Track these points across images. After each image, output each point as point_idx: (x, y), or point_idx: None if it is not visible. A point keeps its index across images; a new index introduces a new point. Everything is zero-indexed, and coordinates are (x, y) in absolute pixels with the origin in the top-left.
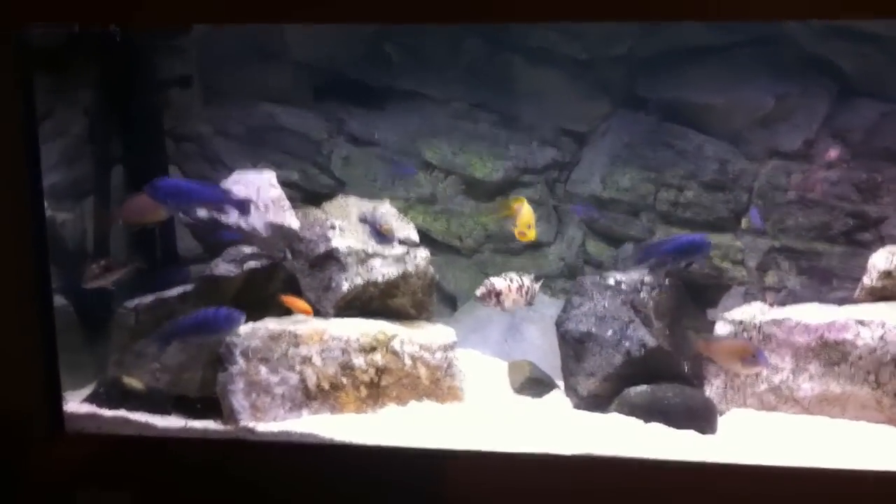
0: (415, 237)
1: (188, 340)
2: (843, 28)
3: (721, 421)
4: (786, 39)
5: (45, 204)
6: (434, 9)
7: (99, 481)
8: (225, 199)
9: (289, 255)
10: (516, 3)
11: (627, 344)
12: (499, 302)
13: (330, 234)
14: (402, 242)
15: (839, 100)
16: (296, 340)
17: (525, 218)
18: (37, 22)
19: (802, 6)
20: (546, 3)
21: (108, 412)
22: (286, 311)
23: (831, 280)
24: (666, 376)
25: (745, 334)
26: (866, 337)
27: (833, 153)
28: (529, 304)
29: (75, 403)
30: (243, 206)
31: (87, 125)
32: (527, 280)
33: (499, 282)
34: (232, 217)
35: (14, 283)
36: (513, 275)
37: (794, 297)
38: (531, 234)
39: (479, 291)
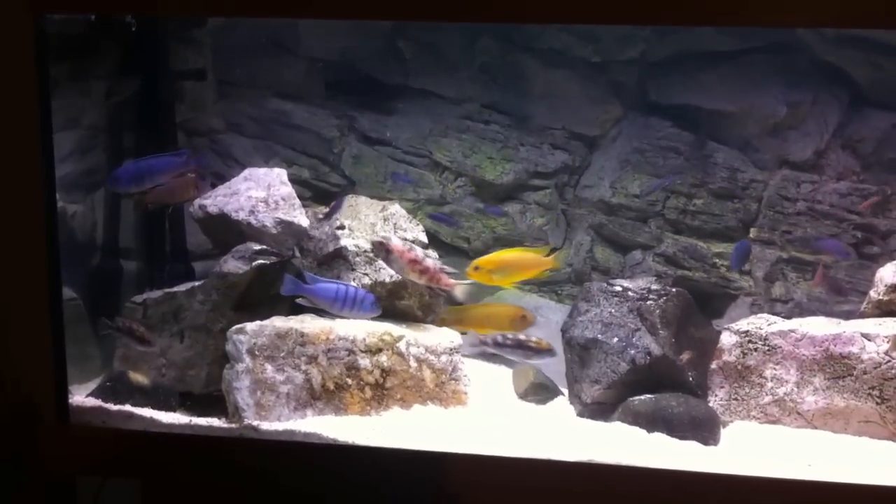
0: (423, 238)
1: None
2: (855, 37)
3: (724, 432)
4: (798, 47)
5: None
6: (442, 6)
7: (103, 474)
8: (186, 164)
9: (297, 253)
10: (528, 4)
11: (633, 352)
12: (387, 259)
13: (339, 233)
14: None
15: (850, 109)
16: (302, 339)
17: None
18: (55, 11)
19: (824, 13)
20: (558, 4)
21: (113, 406)
22: (293, 310)
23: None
24: (670, 385)
25: (752, 345)
26: (872, 351)
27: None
28: (429, 287)
29: (81, 396)
30: (202, 160)
31: (100, 116)
32: (430, 261)
33: (396, 241)
34: (242, 213)
35: (24, 274)
36: (419, 249)
37: (800, 309)
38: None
39: (374, 239)
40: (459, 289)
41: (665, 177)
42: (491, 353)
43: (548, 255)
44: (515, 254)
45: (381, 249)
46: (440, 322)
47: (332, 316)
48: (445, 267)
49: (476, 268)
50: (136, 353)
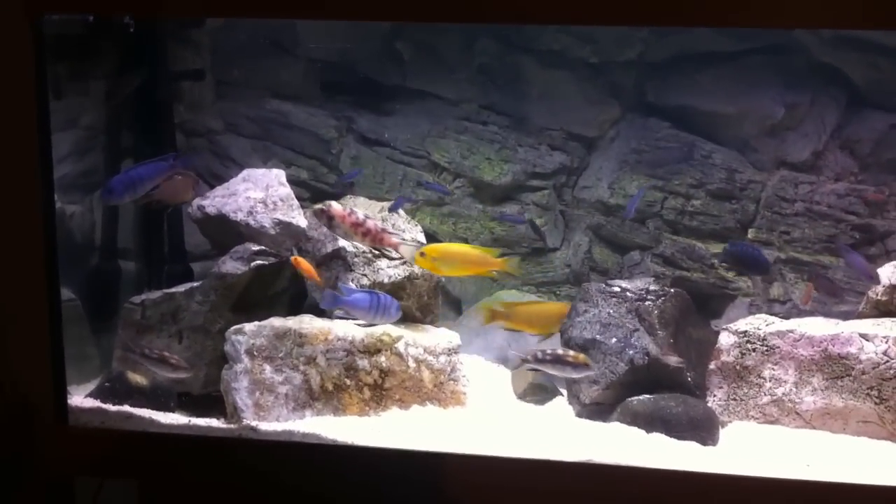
0: (422, 239)
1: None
2: (853, 38)
3: (723, 433)
4: (796, 48)
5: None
6: (440, 7)
7: (101, 475)
8: (173, 167)
9: (296, 254)
10: (526, 4)
11: (631, 352)
12: (330, 226)
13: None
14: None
15: (848, 110)
16: (300, 340)
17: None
18: (52, 11)
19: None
20: (556, 5)
21: (112, 407)
22: (292, 310)
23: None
24: (669, 386)
25: (750, 346)
26: (870, 351)
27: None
28: (374, 248)
29: (80, 397)
30: (188, 161)
31: (98, 116)
32: (372, 222)
33: (336, 206)
34: (241, 214)
35: (23, 275)
36: (360, 211)
37: (798, 310)
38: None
39: (315, 207)
40: (404, 250)
41: (639, 190)
42: (532, 368)
43: (498, 257)
44: (464, 248)
45: (323, 216)
46: (489, 315)
47: (331, 317)
48: (388, 227)
49: (422, 254)
50: (135, 354)
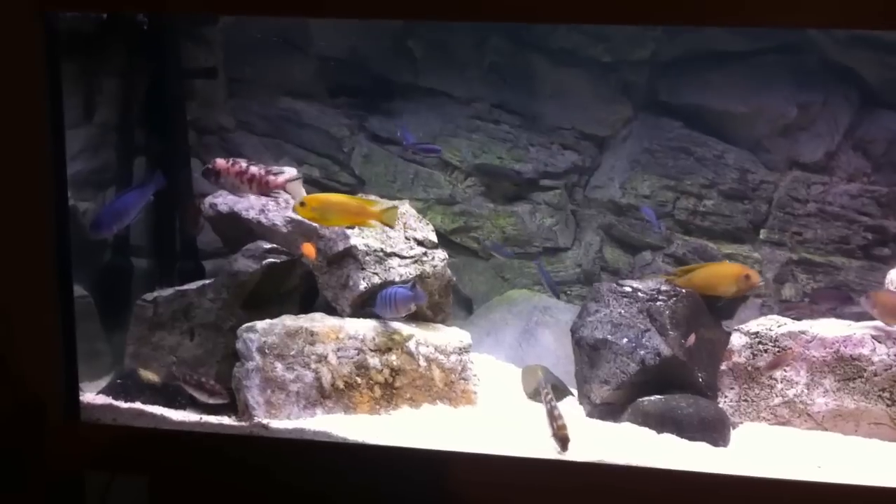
0: (433, 237)
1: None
2: (866, 37)
3: (734, 434)
4: (809, 47)
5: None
6: (452, 5)
7: (112, 471)
8: (146, 193)
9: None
10: (538, 3)
11: (642, 352)
12: (218, 182)
13: (348, 232)
14: (420, 243)
15: (861, 110)
16: (312, 338)
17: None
18: (64, 9)
19: (835, 14)
20: (568, 4)
21: (123, 404)
22: (304, 308)
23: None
24: (680, 386)
25: (762, 347)
26: (882, 353)
27: None
28: (264, 194)
29: (92, 394)
30: (157, 182)
31: (111, 113)
32: (255, 168)
33: (220, 161)
34: (252, 212)
35: (35, 271)
36: (243, 161)
37: (810, 311)
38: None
39: (204, 168)
40: (292, 188)
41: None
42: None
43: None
44: (342, 198)
45: (210, 174)
46: (673, 281)
47: (342, 315)
48: (272, 168)
49: (302, 203)
50: (146, 350)
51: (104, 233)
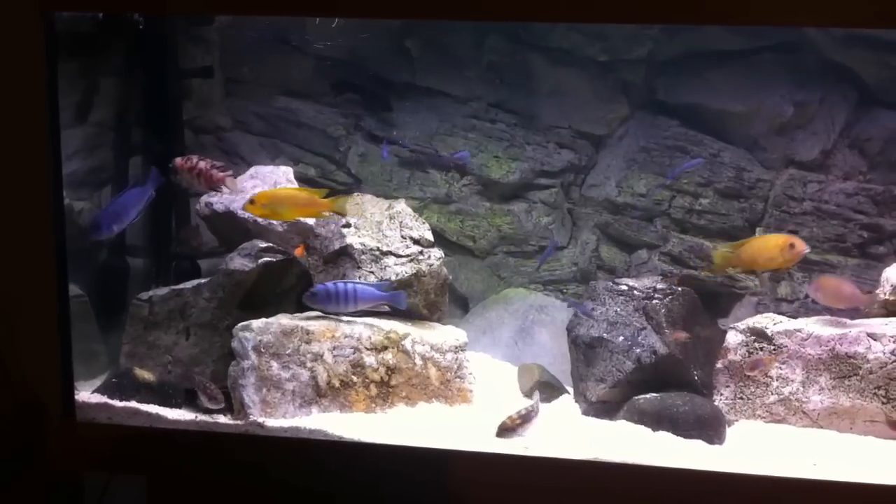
0: (429, 237)
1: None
2: (864, 36)
3: (729, 431)
4: (806, 46)
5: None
6: (449, 4)
7: (109, 470)
8: (145, 193)
9: (300, 246)
10: (535, 2)
11: (638, 350)
12: (178, 179)
13: (344, 231)
14: (416, 242)
15: (858, 109)
16: (308, 337)
17: None
18: (62, 9)
19: (832, 13)
20: (566, 3)
21: (119, 403)
22: (300, 308)
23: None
24: (676, 384)
25: (757, 345)
26: (878, 351)
27: None
28: (212, 188)
29: (87, 393)
30: (155, 179)
31: (107, 113)
32: (203, 162)
33: (178, 158)
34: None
35: (31, 271)
36: (195, 157)
37: (806, 309)
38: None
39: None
40: (231, 182)
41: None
42: None
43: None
44: (292, 191)
45: (171, 172)
46: (722, 261)
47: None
48: (216, 163)
49: (251, 201)
50: (142, 350)
51: (103, 235)
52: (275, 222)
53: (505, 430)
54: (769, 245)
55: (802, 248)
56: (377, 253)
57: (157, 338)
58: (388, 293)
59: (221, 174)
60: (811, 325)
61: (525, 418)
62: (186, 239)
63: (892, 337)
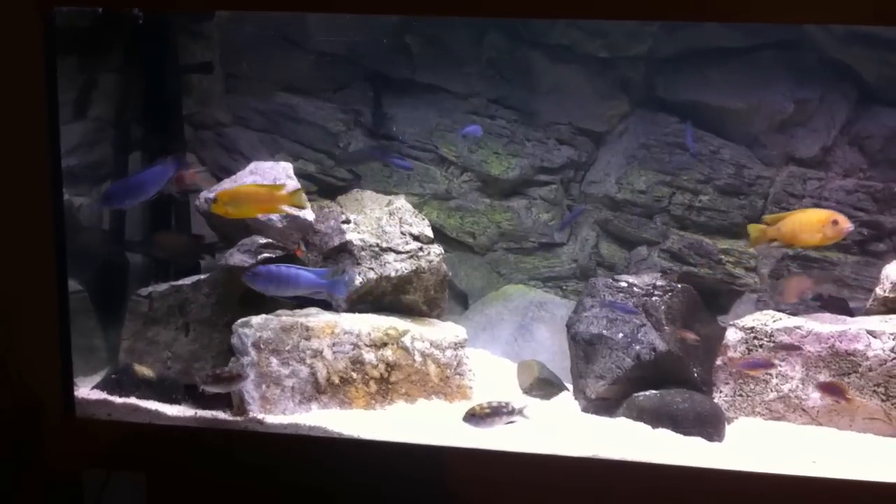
0: (429, 233)
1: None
2: (864, 34)
3: (729, 429)
4: (807, 43)
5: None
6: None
7: (108, 467)
8: (165, 173)
9: (303, 247)
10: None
11: (638, 347)
12: None
13: (344, 227)
14: (415, 238)
15: (858, 107)
16: (307, 333)
17: None
18: (62, 4)
19: (833, 9)
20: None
21: (118, 399)
22: (298, 304)
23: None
24: (675, 381)
25: (757, 342)
26: (877, 348)
27: None
28: (183, 190)
29: (86, 389)
30: (178, 162)
31: (107, 108)
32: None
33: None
34: None
35: (31, 266)
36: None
37: (805, 306)
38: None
39: None
40: (199, 178)
41: (575, 209)
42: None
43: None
44: (251, 188)
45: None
46: (760, 235)
47: (338, 310)
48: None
49: (215, 200)
50: (141, 346)
51: (115, 206)
52: (273, 217)
53: (472, 417)
54: (812, 220)
55: (846, 225)
56: (377, 249)
57: (157, 334)
58: (327, 280)
59: (190, 172)
60: (811, 323)
61: (496, 411)
62: (162, 243)
63: (891, 334)
